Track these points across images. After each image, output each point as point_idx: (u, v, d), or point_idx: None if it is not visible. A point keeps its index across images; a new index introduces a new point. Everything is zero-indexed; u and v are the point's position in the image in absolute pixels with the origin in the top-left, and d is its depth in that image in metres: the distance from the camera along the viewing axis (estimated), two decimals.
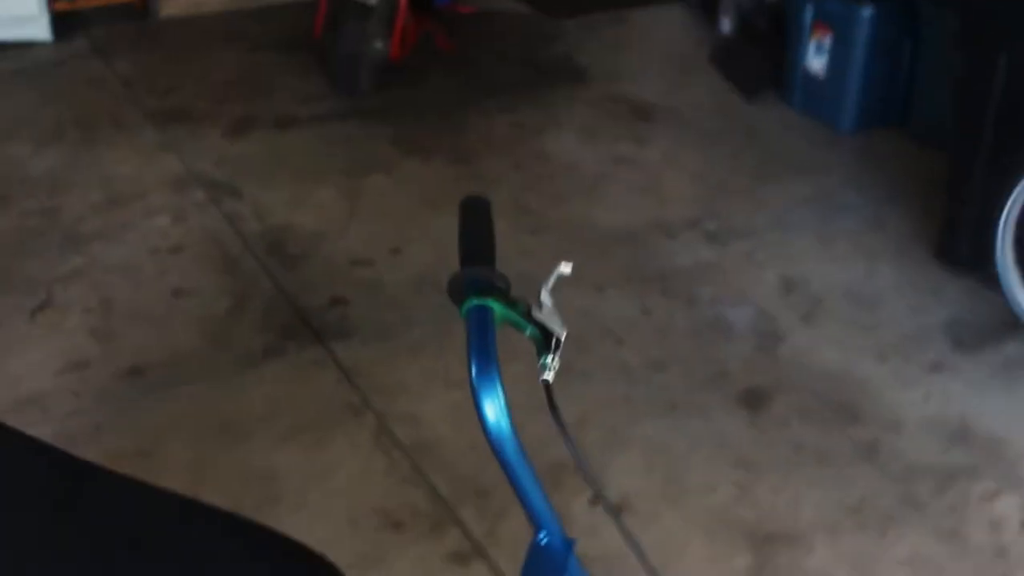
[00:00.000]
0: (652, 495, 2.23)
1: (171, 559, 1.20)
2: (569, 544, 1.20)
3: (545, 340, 1.13)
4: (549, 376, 1.11)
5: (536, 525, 1.19)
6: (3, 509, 1.23)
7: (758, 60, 3.95)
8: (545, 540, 1.18)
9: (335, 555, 2.13)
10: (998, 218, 2.68)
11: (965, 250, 2.93)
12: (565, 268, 1.15)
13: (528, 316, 1.14)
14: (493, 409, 1.07)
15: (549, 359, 1.11)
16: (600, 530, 2.08)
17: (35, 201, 3.30)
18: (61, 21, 4.36)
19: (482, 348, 1.07)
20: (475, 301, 1.12)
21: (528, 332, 1.14)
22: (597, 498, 1.16)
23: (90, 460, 1.31)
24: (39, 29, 4.30)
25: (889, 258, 3.06)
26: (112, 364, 2.62)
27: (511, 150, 3.60)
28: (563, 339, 1.13)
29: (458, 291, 1.14)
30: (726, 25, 4.19)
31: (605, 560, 1.99)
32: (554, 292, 1.15)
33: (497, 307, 1.13)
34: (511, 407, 1.08)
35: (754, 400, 2.50)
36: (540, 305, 1.14)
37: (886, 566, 2.09)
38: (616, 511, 2.18)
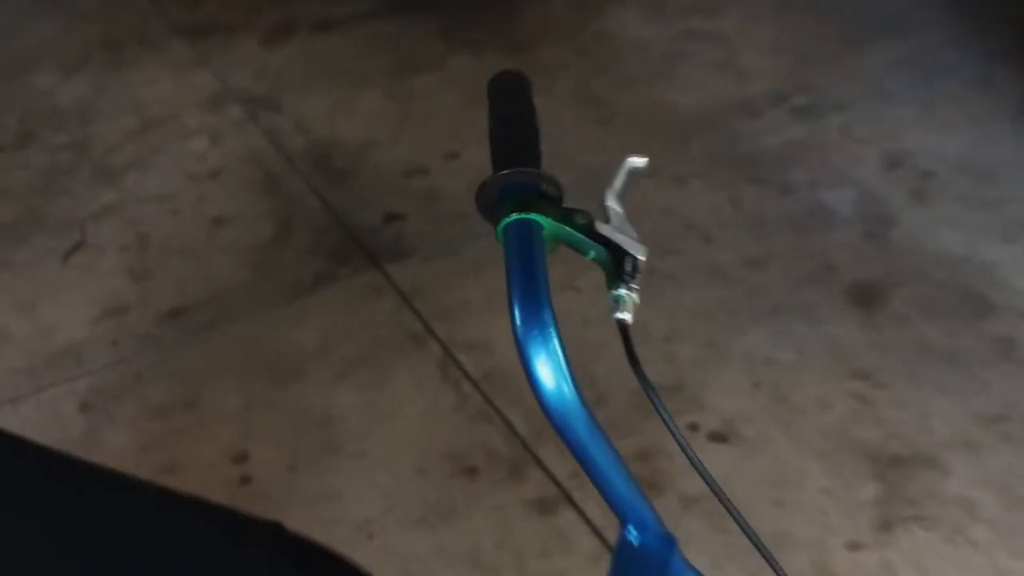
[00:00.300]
0: (759, 417, 1.96)
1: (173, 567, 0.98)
2: (670, 541, 0.93)
3: (616, 264, 0.84)
4: (627, 316, 0.83)
5: (622, 518, 0.92)
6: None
7: None
8: (636, 537, 0.91)
9: (402, 508, 1.90)
10: None
11: None
12: (637, 162, 0.86)
13: (591, 232, 0.86)
14: (549, 369, 0.80)
15: (623, 291, 0.83)
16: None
17: (64, 134, 3.07)
18: None
19: (527, 282, 0.80)
20: (514, 216, 0.84)
21: (592, 254, 0.86)
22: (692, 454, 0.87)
23: (90, 461, 1.10)
24: None
25: (1003, 122, 2.71)
26: (152, 306, 2.40)
27: (571, 34, 3.28)
28: (642, 261, 0.85)
29: (491, 204, 0.86)
30: None
31: (709, 499, 1.73)
32: (625, 196, 0.87)
33: (546, 223, 0.85)
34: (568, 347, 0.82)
35: (866, 296, 2.21)
36: (607, 215, 0.86)
37: None
38: (719, 439, 1.91)
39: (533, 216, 0.85)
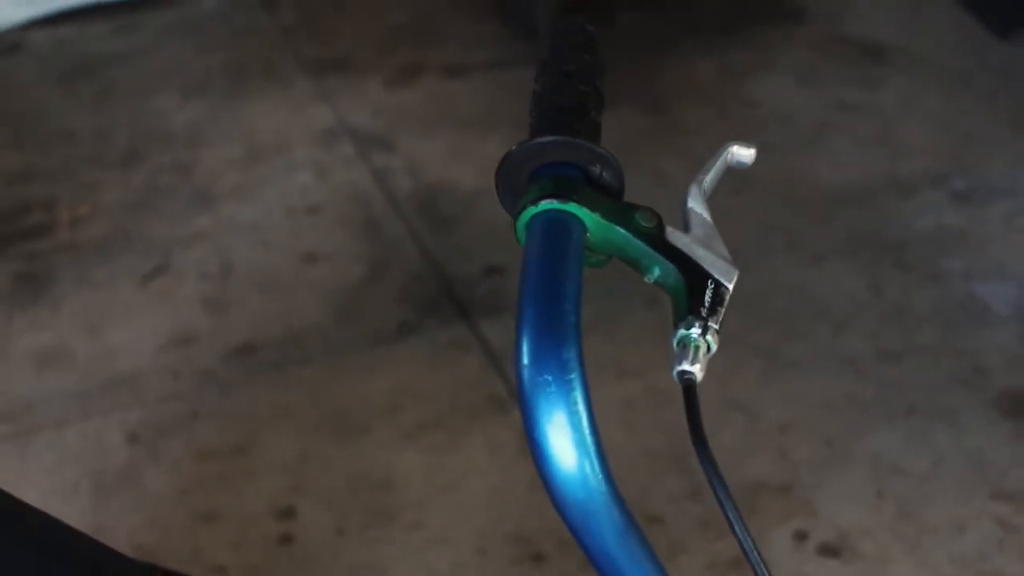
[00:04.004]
0: (880, 532, 1.67)
1: None
2: None
3: (690, 292, 0.60)
4: (694, 370, 0.59)
5: None
6: None
7: None
8: None
9: None
10: None
11: None
12: (741, 152, 0.62)
13: (658, 241, 0.61)
14: (566, 438, 0.55)
15: (695, 331, 0.59)
16: None
17: (170, 156, 2.95)
18: None
19: (550, 302, 0.56)
20: (545, 205, 0.60)
21: (656, 273, 0.61)
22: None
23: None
24: None
25: None
26: (222, 340, 2.22)
27: (713, 97, 3.04)
28: (728, 291, 0.60)
29: (515, 185, 0.63)
30: None
31: None
32: (715, 200, 0.63)
33: (591, 220, 0.60)
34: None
35: (1020, 407, 1.90)
36: (687, 220, 0.62)
37: None
38: (830, 552, 1.63)
39: (572, 207, 0.60)
